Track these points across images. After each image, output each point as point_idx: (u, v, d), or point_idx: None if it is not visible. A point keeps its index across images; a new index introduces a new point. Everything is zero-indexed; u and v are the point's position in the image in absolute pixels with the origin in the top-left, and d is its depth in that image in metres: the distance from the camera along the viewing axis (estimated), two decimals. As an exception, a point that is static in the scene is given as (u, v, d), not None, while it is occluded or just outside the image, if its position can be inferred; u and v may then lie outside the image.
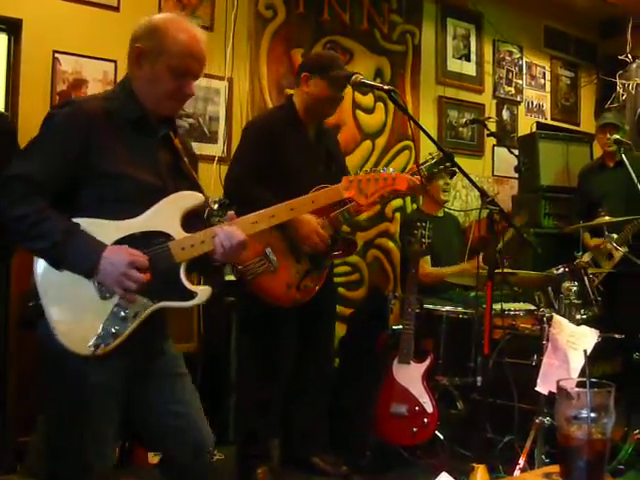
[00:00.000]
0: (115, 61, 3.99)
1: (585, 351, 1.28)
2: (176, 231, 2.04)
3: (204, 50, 2.11)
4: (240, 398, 3.78)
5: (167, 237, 2.02)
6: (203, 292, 2.04)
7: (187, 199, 2.09)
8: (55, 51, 3.80)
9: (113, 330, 1.95)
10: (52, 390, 2.03)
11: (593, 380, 1.22)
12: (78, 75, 3.89)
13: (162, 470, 2.25)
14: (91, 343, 1.92)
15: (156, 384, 2.13)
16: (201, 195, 2.12)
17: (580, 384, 1.25)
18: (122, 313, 1.96)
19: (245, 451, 3.40)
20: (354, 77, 3.00)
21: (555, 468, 1.28)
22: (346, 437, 3.80)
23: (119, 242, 1.97)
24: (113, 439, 2.09)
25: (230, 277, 3.62)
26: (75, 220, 1.95)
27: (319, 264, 3.30)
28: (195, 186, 2.16)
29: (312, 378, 3.55)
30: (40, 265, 1.96)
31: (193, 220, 2.10)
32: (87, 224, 1.96)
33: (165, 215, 2.04)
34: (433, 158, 3.41)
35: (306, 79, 3.34)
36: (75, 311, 1.95)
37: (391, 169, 2.36)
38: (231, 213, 2.11)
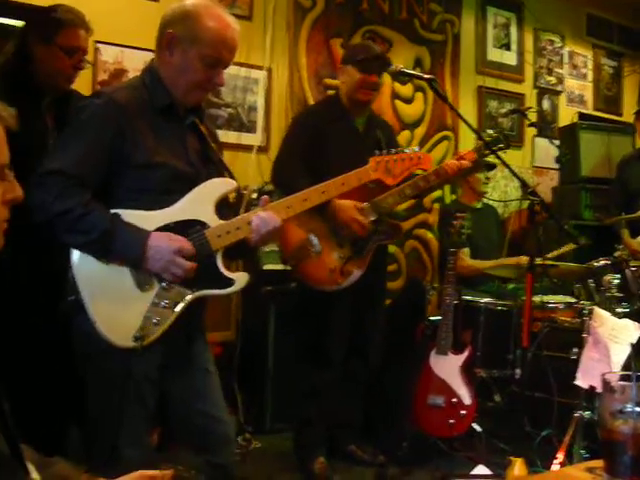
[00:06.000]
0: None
1: (632, 344, 1.26)
2: (211, 219, 2.04)
3: (237, 39, 2.07)
4: (290, 385, 3.73)
5: (202, 225, 2.03)
6: (241, 279, 2.05)
7: (220, 186, 2.10)
8: (96, 41, 3.82)
9: (155, 320, 1.96)
10: (97, 384, 2.03)
11: (639, 374, 1.20)
12: (119, 65, 3.92)
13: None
14: (134, 335, 1.93)
15: (187, 378, 2.15)
16: (233, 181, 2.12)
17: (624, 378, 1.23)
18: (162, 303, 1.97)
19: (301, 438, 3.41)
20: (393, 66, 3.00)
21: (598, 463, 1.27)
22: (384, 427, 3.80)
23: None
24: (147, 426, 2.12)
25: (271, 266, 3.64)
26: (113, 211, 1.95)
27: (361, 249, 3.28)
28: (225, 171, 2.15)
29: (354, 366, 3.52)
30: (77, 258, 1.95)
31: (223, 207, 2.11)
32: (125, 215, 1.96)
33: (199, 203, 2.04)
34: (493, 134, 3.42)
35: (341, 70, 3.45)
36: (116, 304, 1.95)
37: (416, 148, 2.37)
38: (265, 197, 2.11)
